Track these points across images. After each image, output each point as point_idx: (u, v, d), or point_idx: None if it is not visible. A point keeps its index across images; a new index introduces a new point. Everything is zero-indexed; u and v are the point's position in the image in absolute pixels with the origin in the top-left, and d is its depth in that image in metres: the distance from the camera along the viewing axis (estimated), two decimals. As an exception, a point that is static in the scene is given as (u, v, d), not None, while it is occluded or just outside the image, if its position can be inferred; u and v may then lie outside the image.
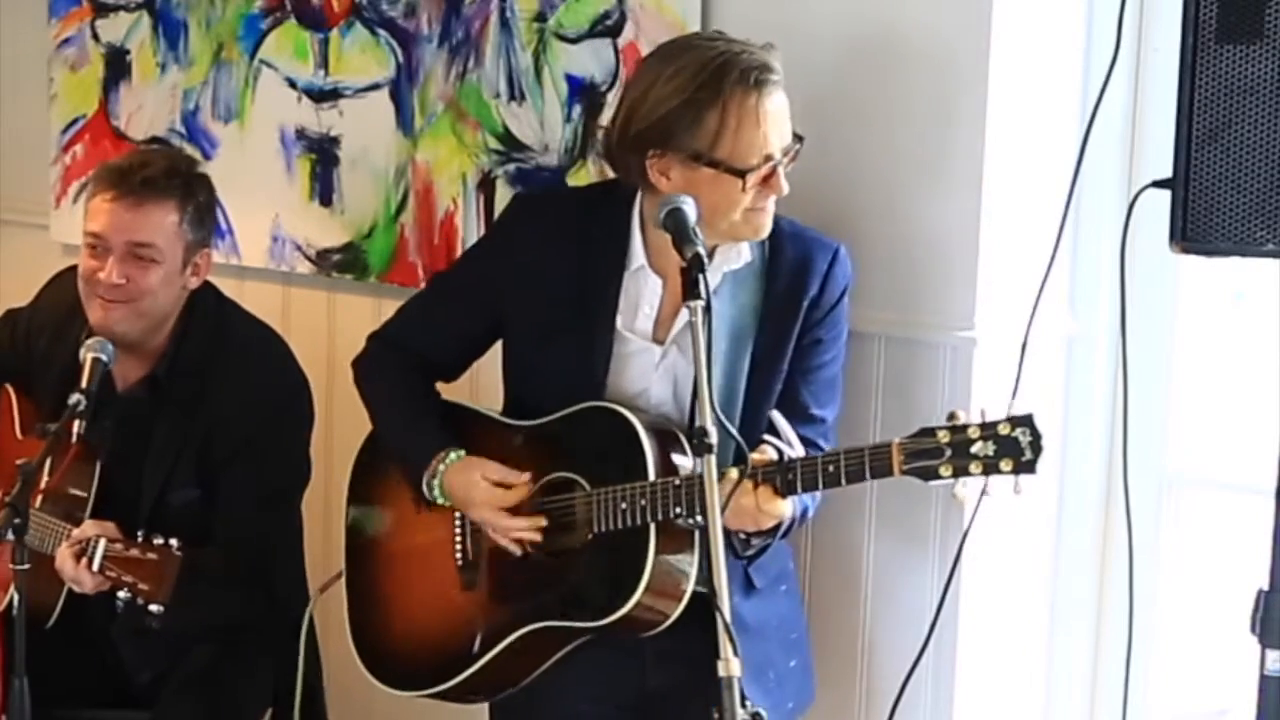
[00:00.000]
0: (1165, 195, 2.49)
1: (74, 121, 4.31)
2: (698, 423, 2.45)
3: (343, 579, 3.13)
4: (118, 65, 4.21)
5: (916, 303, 3.17)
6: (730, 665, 2.34)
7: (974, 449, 2.61)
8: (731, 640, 2.34)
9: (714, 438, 2.41)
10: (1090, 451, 3.25)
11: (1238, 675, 2.77)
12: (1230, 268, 2.96)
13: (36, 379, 3.40)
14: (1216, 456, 3.27)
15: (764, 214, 2.84)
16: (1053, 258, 2.85)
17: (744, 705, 2.37)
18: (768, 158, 2.80)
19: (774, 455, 2.73)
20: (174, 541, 2.98)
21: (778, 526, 2.78)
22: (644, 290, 2.92)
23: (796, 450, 2.75)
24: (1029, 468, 2.61)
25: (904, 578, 3.20)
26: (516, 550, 2.91)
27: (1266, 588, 2.50)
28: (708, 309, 2.47)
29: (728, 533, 2.76)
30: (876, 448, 2.68)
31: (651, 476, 2.79)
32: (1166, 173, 2.50)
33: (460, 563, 3.00)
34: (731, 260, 2.88)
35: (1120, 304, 2.73)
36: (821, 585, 3.27)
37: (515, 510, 2.89)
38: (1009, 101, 3.09)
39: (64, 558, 3.02)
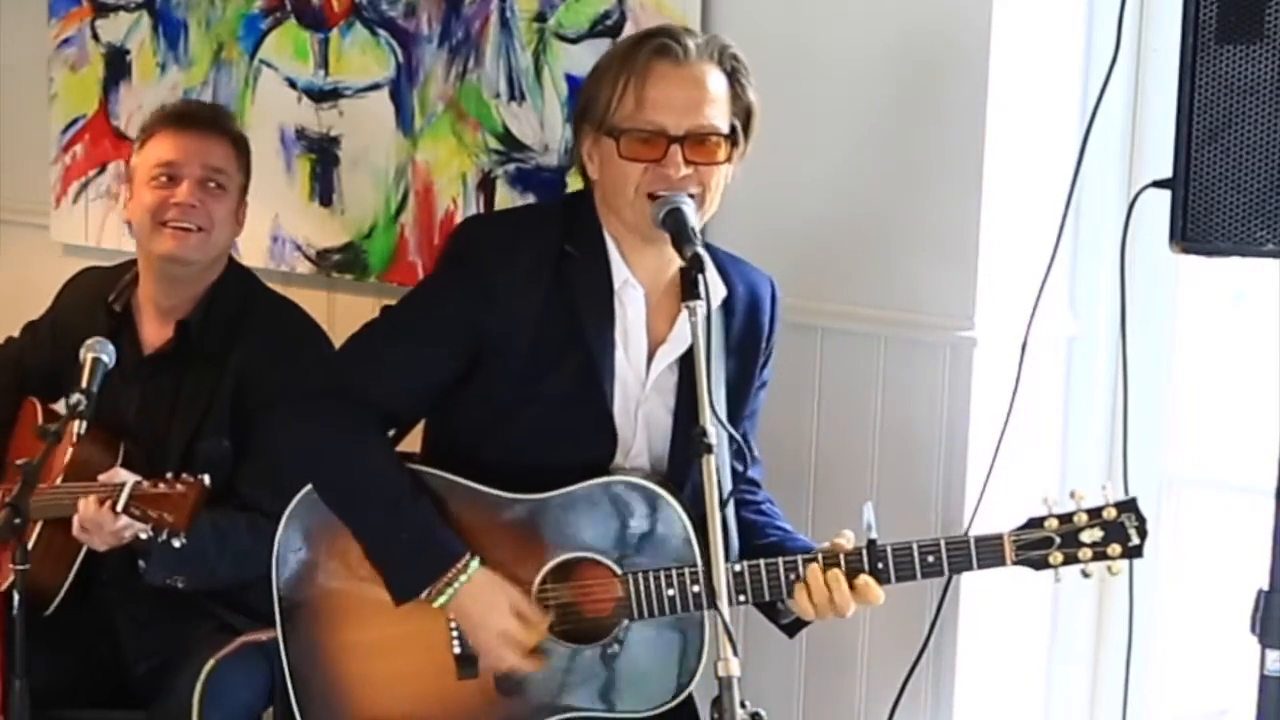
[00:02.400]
0: (1165, 195, 2.49)
1: (74, 121, 4.32)
2: (698, 432, 2.38)
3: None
4: (118, 65, 4.22)
5: (916, 303, 3.16)
6: (730, 665, 2.33)
7: (1083, 536, 2.62)
8: (731, 640, 2.33)
9: (714, 438, 2.37)
10: (1090, 451, 3.25)
11: (1238, 675, 2.77)
12: (1230, 268, 2.96)
13: (71, 374, 3.40)
14: (1216, 456, 3.27)
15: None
16: (1053, 258, 2.86)
17: (744, 705, 2.36)
18: (659, 132, 2.63)
19: (852, 542, 2.66)
20: (205, 477, 3.02)
21: None
22: (629, 308, 2.73)
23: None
24: (1136, 553, 2.63)
25: (904, 578, 3.20)
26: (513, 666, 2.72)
27: (1266, 588, 2.50)
28: (708, 308, 2.43)
29: (770, 606, 2.74)
30: (985, 539, 2.63)
31: (697, 556, 2.64)
32: (1166, 173, 2.49)
33: (459, 651, 2.73)
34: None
35: (1120, 304, 2.73)
36: (821, 585, 3.26)
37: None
38: (1009, 102, 3.09)
39: (88, 505, 3.04)
